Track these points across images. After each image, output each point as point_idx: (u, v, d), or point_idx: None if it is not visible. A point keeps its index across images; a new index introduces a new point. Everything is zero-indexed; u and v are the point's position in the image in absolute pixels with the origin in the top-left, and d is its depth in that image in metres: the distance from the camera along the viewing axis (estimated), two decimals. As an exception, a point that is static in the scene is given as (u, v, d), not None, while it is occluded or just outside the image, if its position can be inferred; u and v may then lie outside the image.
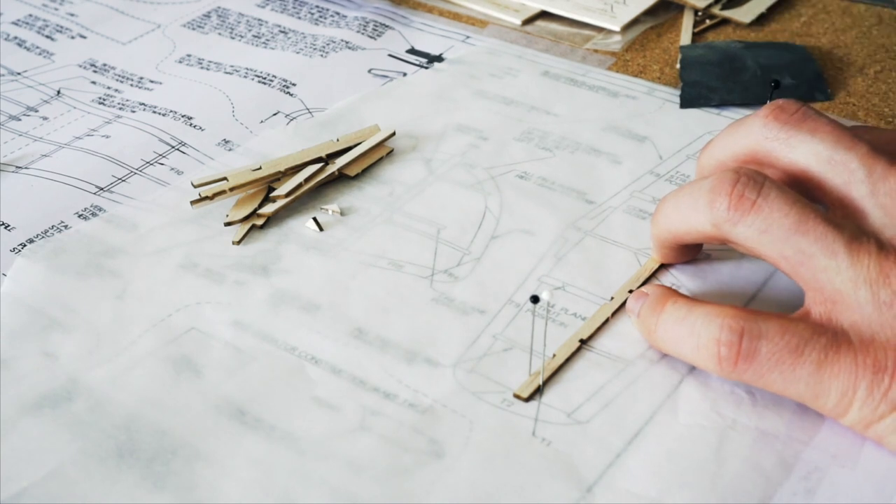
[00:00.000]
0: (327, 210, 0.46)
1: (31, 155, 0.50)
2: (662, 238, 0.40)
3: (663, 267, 0.42)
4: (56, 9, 0.64)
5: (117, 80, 0.57)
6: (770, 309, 0.37)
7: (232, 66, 0.58)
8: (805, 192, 0.35)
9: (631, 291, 0.40)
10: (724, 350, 0.34)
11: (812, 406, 0.34)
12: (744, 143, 0.37)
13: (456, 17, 0.63)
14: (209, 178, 0.46)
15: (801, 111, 0.36)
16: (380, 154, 0.49)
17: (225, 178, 0.46)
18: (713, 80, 0.55)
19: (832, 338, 0.33)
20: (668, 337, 0.37)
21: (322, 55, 0.59)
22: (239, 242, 0.44)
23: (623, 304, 0.40)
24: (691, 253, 0.42)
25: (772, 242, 0.34)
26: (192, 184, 0.46)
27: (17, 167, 0.49)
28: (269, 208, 0.45)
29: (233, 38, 0.61)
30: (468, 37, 0.60)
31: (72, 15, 0.64)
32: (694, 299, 0.37)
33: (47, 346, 0.39)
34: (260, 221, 0.45)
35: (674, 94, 0.54)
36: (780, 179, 0.37)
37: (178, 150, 0.50)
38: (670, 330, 0.36)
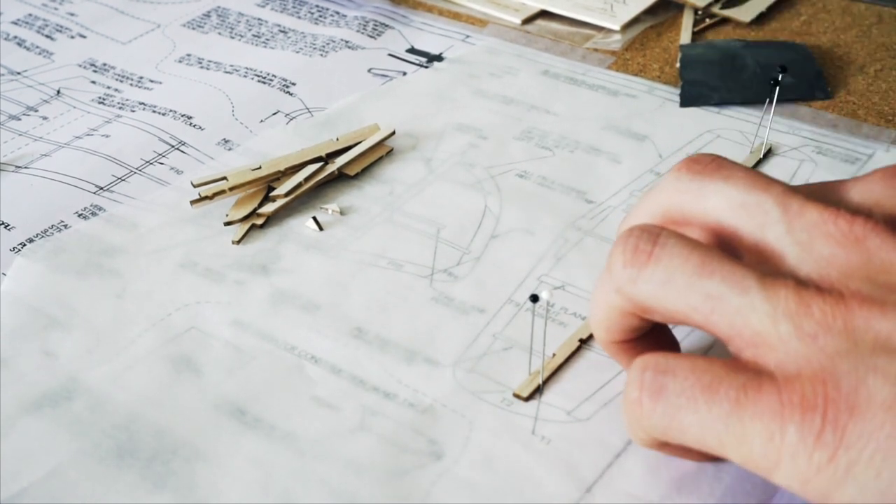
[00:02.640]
0: (327, 209, 0.46)
1: (30, 154, 0.50)
2: (601, 341, 0.35)
3: None
4: (56, 8, 0.64)
5: (117, 79, 0.57)
6: None
7: (232, 66, 0.58)
8: (721, 244, 0.32)
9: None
10: (632, 392, 0.31)
11: (737, 458, 0.29)
12: (657, 202, 0.34)
13: (456, 16, 0.63)
14: (209, 177, 0.46)
15: (715, 161, 0.33)
16: (379, 153, 0.49)
17: (225, 178, 0.46)
18: (713, 79, 0.55)
19: (753, 376, 0.29)
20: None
21: (322, 55, 0.59)
22: (239, 242, 0.44)
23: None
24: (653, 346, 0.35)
25: (677, 293, 0.30)
26: (192, 183, 0.46)
27: (16, 167, 0.49)
28: (268, 208, 0.45)
29: (232, 37, 0.61)
30: (468, 36, 0.60)
31: (71, 14, 0.64)
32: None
33: (47, 346, 0.39)
34: (259, 221, 0.45)
35: (674, 93, 0.54)
36: (696, 235, 0.33)
37: (177, 149, 0.50)
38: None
